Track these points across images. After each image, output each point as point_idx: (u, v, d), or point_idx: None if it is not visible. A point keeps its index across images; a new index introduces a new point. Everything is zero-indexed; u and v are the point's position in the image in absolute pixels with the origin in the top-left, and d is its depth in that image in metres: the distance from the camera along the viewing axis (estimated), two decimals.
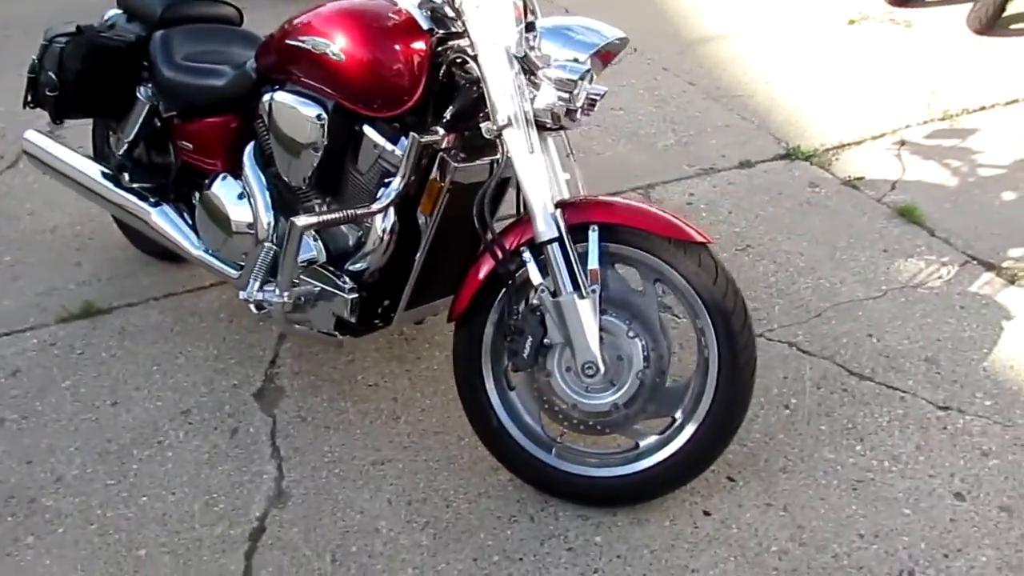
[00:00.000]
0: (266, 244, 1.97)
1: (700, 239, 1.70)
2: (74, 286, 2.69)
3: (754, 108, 3.70)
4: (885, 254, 2.68)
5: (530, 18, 1.74)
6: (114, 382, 2.28)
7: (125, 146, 2.43)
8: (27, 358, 2.39)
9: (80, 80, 2.31)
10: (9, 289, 2.69)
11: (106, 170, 2.47)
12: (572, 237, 1.69)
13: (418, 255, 1.88)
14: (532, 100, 1.67)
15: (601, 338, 1.70)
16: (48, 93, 2.33)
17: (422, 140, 1.73)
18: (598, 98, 1.87)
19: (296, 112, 1.90)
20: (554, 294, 1.69)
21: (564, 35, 1.74)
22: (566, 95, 1.64)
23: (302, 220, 1.76)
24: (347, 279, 1.90)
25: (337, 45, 1.76)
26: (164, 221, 2.31)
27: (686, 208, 2.96)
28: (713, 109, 3.72)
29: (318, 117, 1.87)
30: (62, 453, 2.05)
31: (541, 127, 1.73)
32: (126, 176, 2.40)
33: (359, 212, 1.77)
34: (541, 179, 1.67)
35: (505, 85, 1.63)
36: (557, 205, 1.71)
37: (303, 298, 1.89)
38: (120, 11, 2.48)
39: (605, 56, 1.82)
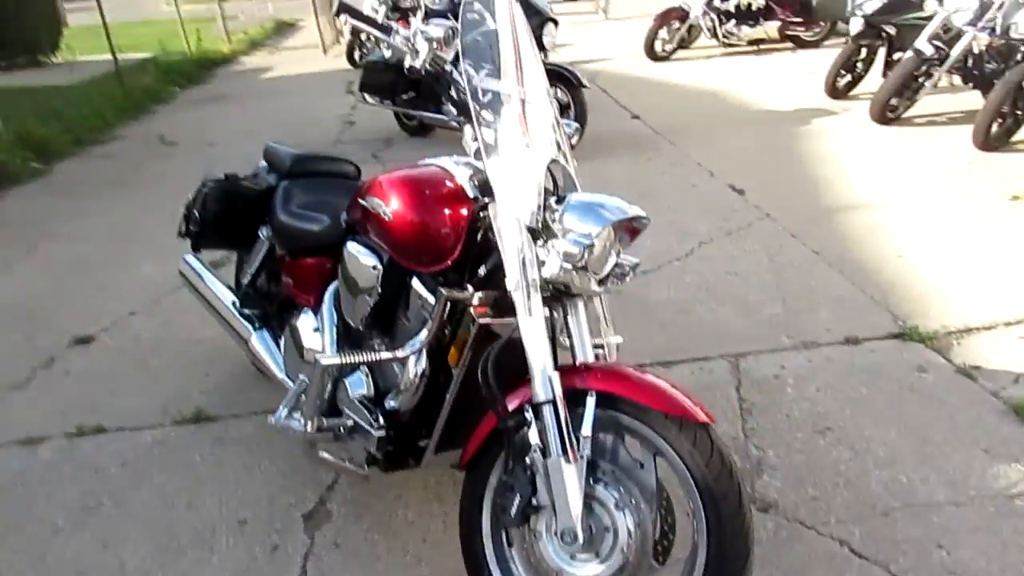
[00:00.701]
0: (301, 375, 2.17)
1: (701, 418, 1.68)
2: (196, 393, 3.05)
3: (878, 282, 3.54)
4: (985, 455, 2.43)
5: (562, 192, 1.87)
6: (195, 484, 2.54)
7: (248, 277, 2.80)
8: (137, 453, 2.73)
9: (216, 219, 2.72)
10: (146, 388, 3.11)
11: (232, 296, 2.85)
12: (572, 401, 1.74)
13: (446, 400, 2.00)
14: (541, 268, 1.77)
15: (591, 507, 1.70)
16: (191, 228, 2.76)
17: (449, 295, 1.88)
18: (630, 268, 1.93)
19: (359, 260, 2.13)
20: (545, 456, 1.72)
21: (587, 209, 1.83)
22: (568, 265, 1.73)
23: (325, 358, 1.95)
24: (380, 416, 2.04)
25: (389, 207, 1.99)
26: (260, 345, 2.61)
27: (771, 382, 2.86)
28: (833, 280, 3.60)
29: (374, 267, 2.09)
30: (132, 543, 2.30)
31: (564, 293, 1.83)
32: (244, 302, 2.75)
33: (383, 356, 1.93)
34: (540, 342, 1.74)
35: (513, 252, 1.75)
36: (560, 368, 1.77)
37: (335, 430, 2.05)
38: (265, 163, 2.92)
39: (631, 231, 1.90)
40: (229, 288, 2.92)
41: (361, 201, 2.12)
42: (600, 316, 2.13)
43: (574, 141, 2.42)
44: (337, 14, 1.84)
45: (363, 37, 9.90)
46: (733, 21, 9.30)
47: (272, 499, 2.45)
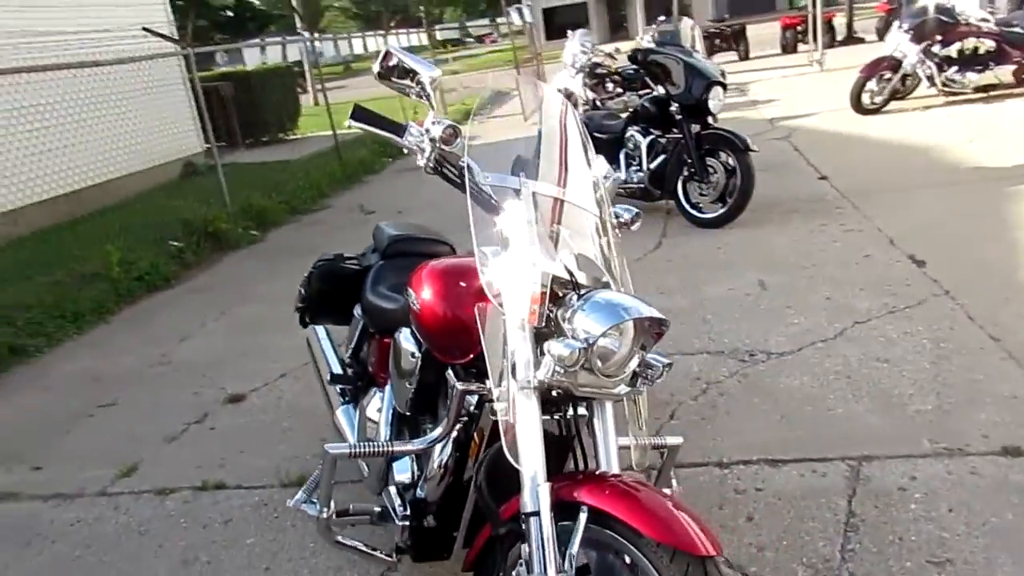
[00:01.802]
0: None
1: (700, 550, 1.49)
2: (308, 457, 3.22)
3: None
4: None
5: (583, 288, 1.78)
6: (280, 550, 2.67)
7: (348, 352, 2.93)
8: (243, 511, 2.92)
9: (318, 295, 2.90)
10: (270, 450, 3.34)
11: (336, 369, 3.00)
12: (566, 513, 1.62)
13: (470, 493, 1.94)
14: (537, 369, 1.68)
15: None
16: (299, 304, 2.96)
17: (465, 388, 1.85)
18: (662, 368, 1.79)
19: (403, 347, 2.16)
20: (529, 569, 1.61)
21: (598, 309, 1.71)
22: (561, 370, 1.62)
23: (334, 448, 1.97)
24: (407, 506, 2.03)
25: (419, 298, 2.00)
26: (343, 419, 2.71)
27: (893, 495, 2.47)
28: (1009, 375, 3.07)
29: (413, 355, 2.10)
30: None
31: (577, 396, 1.73)
32: (334, 376, 2.89)
33: (396, 449, 1.92)
34: (532, 449, 1.64)
35: (497, 353, 1.68)
36: (557, 477, 1.66)
37: (364, 515, 2.06)
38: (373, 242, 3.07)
39: (656, 333, 1.75)
40: (342, 361, 3.08)
41: (407, 291, 2.16)
42: (636, 417, 1.98)
43: (635, 228, 2.31)
44: (352, 116, 1.90)
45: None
46: (955, 68, 8.41)
47: (340, 570, 2.51)
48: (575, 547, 1.60)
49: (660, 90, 5.81)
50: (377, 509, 2.09)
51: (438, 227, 3.02)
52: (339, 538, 2.04)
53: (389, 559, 2.08)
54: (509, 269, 1.71)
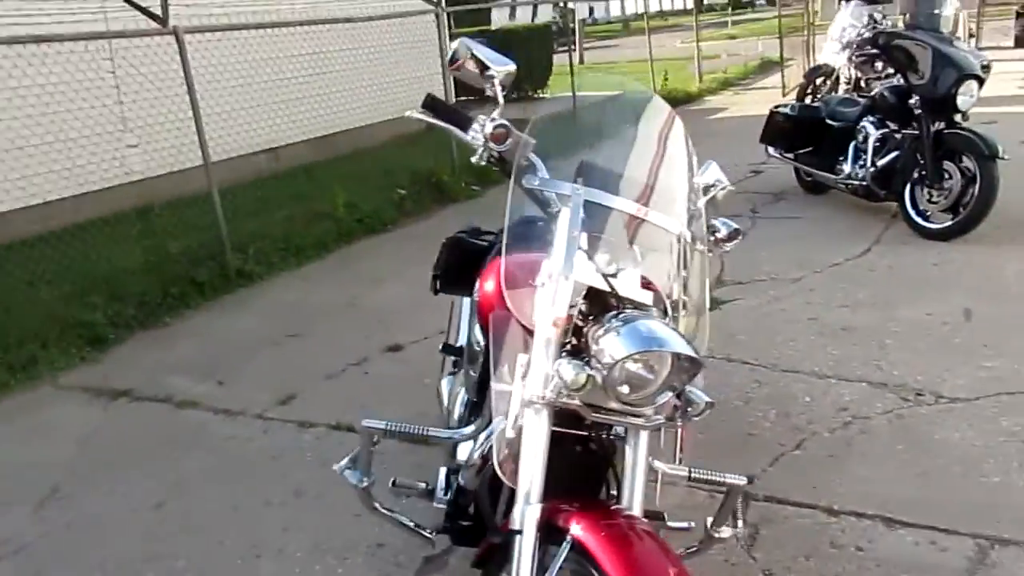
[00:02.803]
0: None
1: None
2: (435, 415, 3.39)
3: None
4: None
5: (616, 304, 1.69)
6: None
7: (456, 325, 3.02)
8: None
9: (446, 266, 3.00)
10: (404, 403, 3.55)
11: (454, 341, 3.10)
12: (555, 537, 1.58)
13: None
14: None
15: None
16: (433, 271, 3.09)
17: (496, 386, 1.85)
18: (703, 406, 1.67)
19: (475, 334, 2.19)
20: None
21: (628, 334, 1.61)
22: (565, 392, 1.56)
23: (369, 423, 2.02)
24: (448, 489, 2.08)
25: (480, 291, 2.03)
26: (444, 388, 2.79)
27: None
28: None
29: (478, 343, 2.13)
30: (304, 534, 2.71)
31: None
32: (444, 346, 2.98)
33: (431, 434, 1.96)
34: (532, 468, 1.61)
35: (537, 365, 1.64)
36: (553, 502, 1.62)
37: (410, 490, 2.13)
38: None
39: (689, 373, 1.62)
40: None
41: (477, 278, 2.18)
42: (672, 450, 1.86)
43: (729, 247, 2.14)
44: (423, 105, 1.90)
45: (818, 81, 9.41)
46: None
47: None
48: (552, 574, 1.56)
49: (901, 79, 5.17)
50: (422, 485, 2.16)
51: None
52: (377, 505, 2.14)
53: (427, 536, 2.15)
54: (550, 278, 1.67)
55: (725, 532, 2.00)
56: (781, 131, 6.14)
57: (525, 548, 1.57)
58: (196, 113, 5.40)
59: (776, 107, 6.26)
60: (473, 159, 1.85)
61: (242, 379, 4.01)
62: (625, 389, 1.58)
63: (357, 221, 6.54)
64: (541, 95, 13.75)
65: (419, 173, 7.41)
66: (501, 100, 1.84)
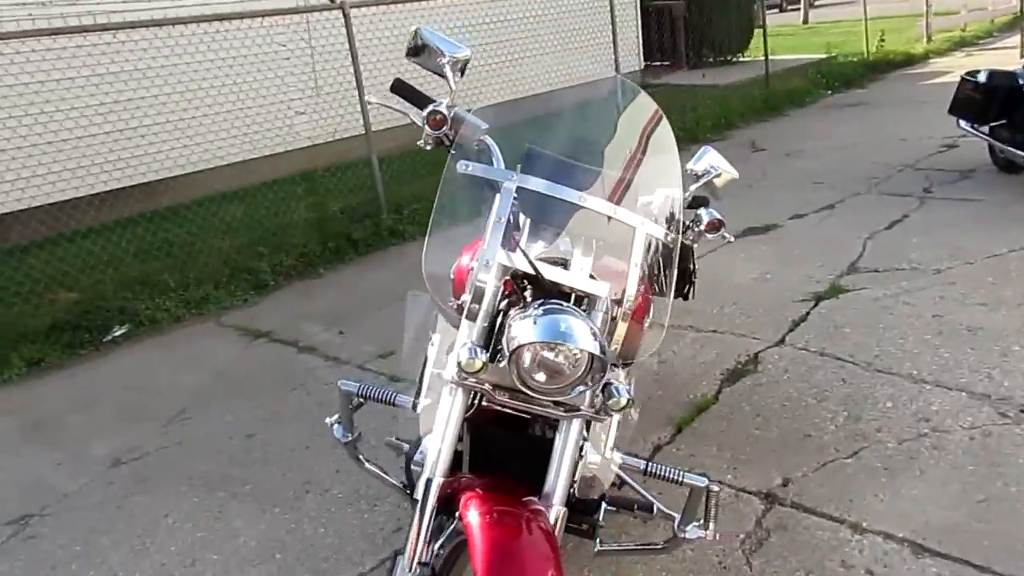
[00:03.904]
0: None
1: None
2: None
3: None
4: None
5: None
6: None
7: None
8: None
9: None
10: None
11: None
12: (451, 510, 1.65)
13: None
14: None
15: None
16: None
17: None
18: (627, 403, 1.66)
19: None
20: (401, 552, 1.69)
21: (541, 324, 1.62)
22: (457, 374, 1.61)
23: (345, 384, 2.15)
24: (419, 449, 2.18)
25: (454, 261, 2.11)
26: None
27: None
28: None
29: None
30: None
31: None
32: None
33: (396, 399, 2.08)
34: (438, 442, 1.68)
35: (446, 345, 1.72)
36: (462, 478, 1.69)
37: (396, 450, 2.27)
38: None
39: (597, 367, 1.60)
40: None
41: None
42: (603, 442, 1.85)
43: (712, 237, 2.06)
44: (392, 90, 1.95)
45: None
46: None
47: None
48: (437, 544, 1.64)
49: None
50: (406, 446, 2.28)
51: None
52: (360, 458, 2.29)
53: (408, 493, 2.27)
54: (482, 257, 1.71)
55: (692, 533, 1.95)
56: (972, 101, 5.44)
57: (417, 519, 1.65)
58: (359, 84, 5.82)
59: (968, 73, 5.54)
60: (419, 143, 1.91)
61: (360, 331, 4.36)
62: (542, 377, 1.60)
63: None
64: (739, 58, 13.00)
65: None
66: (453, 85, 1.88)
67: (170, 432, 3.49)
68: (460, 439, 1.99)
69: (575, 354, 1.57)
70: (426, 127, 1.85)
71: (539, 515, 1.65)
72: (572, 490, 2.05)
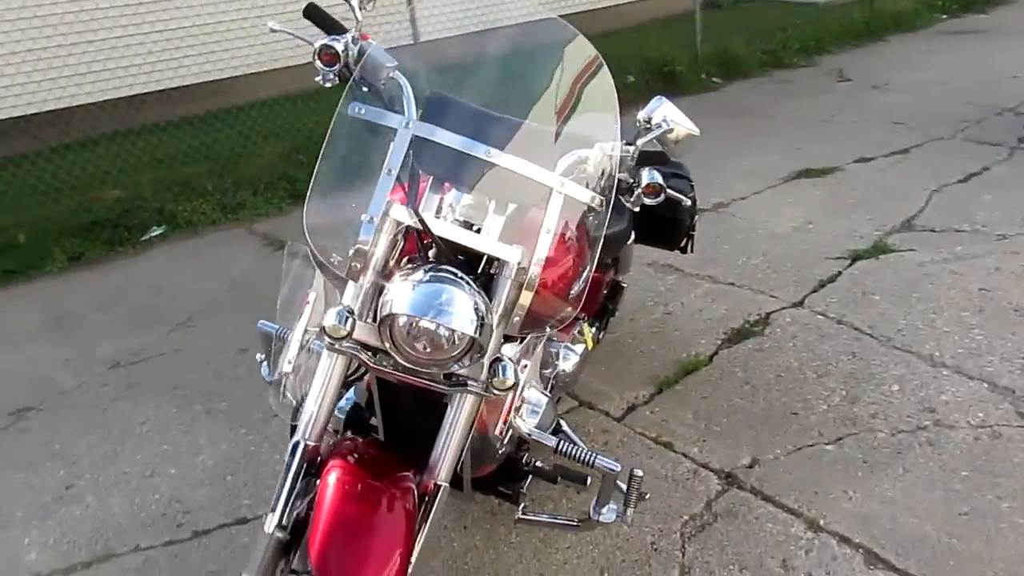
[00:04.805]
0: None
1: None
2: None
3: None
4: None
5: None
6: None
7: None
8: None
9: None
10: None
11: None
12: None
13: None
14: None
15: None
16: None
17: None
18: (508, 379, 1.52)
19: None
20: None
21: (417, 292, 1.46)
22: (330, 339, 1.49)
23: (263, 324, 2.02)
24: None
25: None
26: None
27: None
28: None
29: None
30: None
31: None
32: None
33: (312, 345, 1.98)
34: (310, 405, 1.59)
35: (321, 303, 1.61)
36: (340, 440, 1.61)
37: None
38: None
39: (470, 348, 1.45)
40: None
41: None
42: (496, 420, 1.71)
43: (649, 201, 1.83)
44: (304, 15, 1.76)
45: None
46: None
47: None
48: (299, 508, 1.56)
49: None
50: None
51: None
52: (281, 397, 2.21)
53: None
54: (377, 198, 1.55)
55: (606, 516, 1.83)
56: None
57: (280, 480, 1.56)
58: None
59: None
60: (316, 79, 1.73)
61: None
62: (420, 347, 1.48)
63: None
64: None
65: (652, 61, 6.97)
66: (358, 16, 1.69)
67: (172, 339, 3.55)
68: (369, 399, 1.92)
69: (451, 330, 1.43)
70: (317, 62, 1.66)
71: (405, 493, 1.55)
72: (502, 449, 1.96)
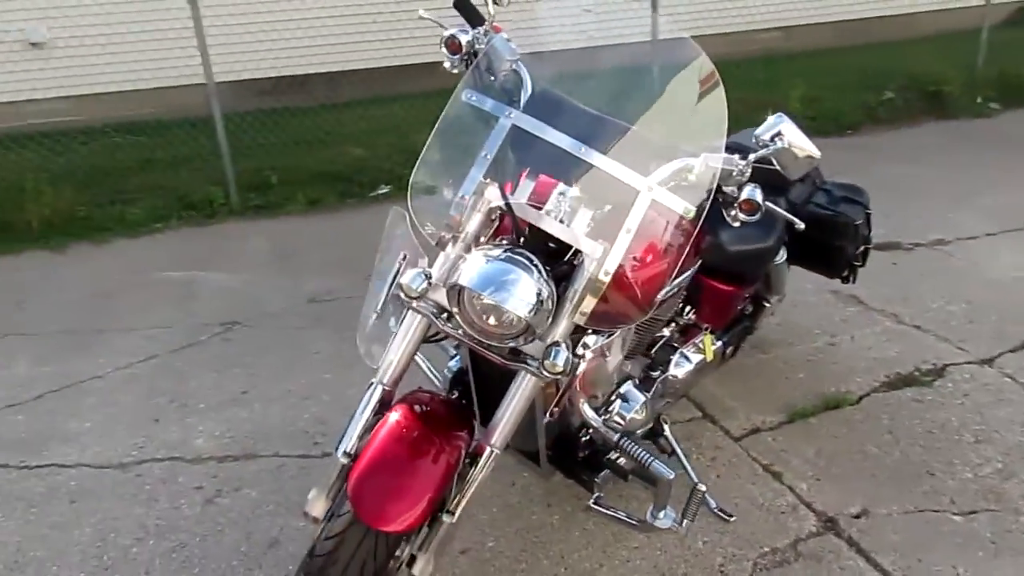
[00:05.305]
0: None
1: (382, 526, 1.53)
2: None
3: None
4: None
5: None
6: None
7: None
8: None
9: None
10: None
11: None
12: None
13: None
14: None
15: None
16: None
17: None
18: (559, 366, 1.60)
19: None
20: None
21: (484, 269, 1.56)
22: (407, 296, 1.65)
23: None
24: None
25: None
26: None
27: None
28: None
29: None
30: None
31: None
32: None
33: None
34: (391, 355, 1.75)
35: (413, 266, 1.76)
36: (409, 395, 1.75)
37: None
38: None
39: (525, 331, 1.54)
40: None
41: None
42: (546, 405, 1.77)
43: (744, 218, 1.78)
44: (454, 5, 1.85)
45: None
46: None
47: None
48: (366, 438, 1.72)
49: None
50: None
51: None
52: None
53: None
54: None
55: (662, 522, 1.84)
56: None
57: (356, 415, 1.75)
58: None
59: None
60: (445, 64, 1.87)
61: None
62: (489, 319, 1.60)
63: (810, 119, 6.06)
64: None
65: (918, 77, 6.37)
66: (491, 10, 1.80)
67: (363, 285, 3.92)
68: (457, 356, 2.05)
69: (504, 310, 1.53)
70: (443, 49, 1.81)
71: (454, 449, 1.67)
72: (581, 436, 2.02)
